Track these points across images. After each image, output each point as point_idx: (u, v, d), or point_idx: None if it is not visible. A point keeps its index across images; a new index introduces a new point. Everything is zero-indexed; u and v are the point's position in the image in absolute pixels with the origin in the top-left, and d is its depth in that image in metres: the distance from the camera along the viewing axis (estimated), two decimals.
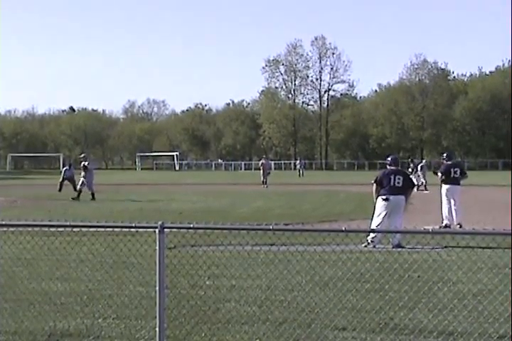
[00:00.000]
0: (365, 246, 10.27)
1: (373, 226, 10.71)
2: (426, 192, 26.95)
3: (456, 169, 14.14)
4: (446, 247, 9.25)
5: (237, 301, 6.46)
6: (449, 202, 13.90)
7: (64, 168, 29.18)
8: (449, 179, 14.04)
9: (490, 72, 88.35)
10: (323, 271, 7.32)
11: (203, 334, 5.37)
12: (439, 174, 14.33)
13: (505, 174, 41.74)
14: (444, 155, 14.77)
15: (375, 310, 5.88)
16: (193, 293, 6.74)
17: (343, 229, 4.38)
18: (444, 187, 14.07)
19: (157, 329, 4.62)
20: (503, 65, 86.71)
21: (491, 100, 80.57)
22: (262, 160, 34.41)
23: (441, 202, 14.14)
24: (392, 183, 11.00)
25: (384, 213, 10.96)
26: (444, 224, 13.78)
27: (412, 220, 14.27)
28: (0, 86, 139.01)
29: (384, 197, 10.97)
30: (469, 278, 7.05)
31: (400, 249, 9.92)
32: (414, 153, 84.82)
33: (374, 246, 10.26)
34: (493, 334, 5.24)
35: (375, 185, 11.28)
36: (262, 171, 33.68)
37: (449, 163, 14.39)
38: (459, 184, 14.16)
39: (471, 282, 6.96)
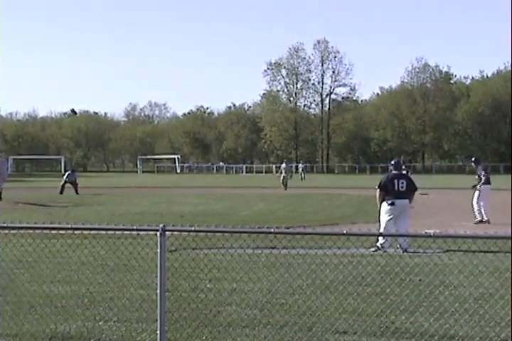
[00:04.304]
0: (375, 250, 10.20)
1: (382, 230, 10.62)
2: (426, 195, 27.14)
3: (488, 170, 15.73)
4: (447, 251, 9.25)
5: (238, 304, 6.45)
6: (486, 201, 15.31)
7: (67, 172, 29.50)
8: (487, 180, 15.51)
9: (492, 74, 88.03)
10: (324, 275, 7.31)
11: (204, 338, 5.36)
12: (482, 176, 15.62)
13: (507, 178, 41.64)
14: (473, 159, 16.21)
15: (377, 314, 5.87)
16: (194, 296, 6.74)
17: (345, 232, 4.38)
18: (485, 187, 15.46)
19: (158, 332, 4.62)
20: (505, 67, 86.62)
21: (493, 104, 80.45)
22: (283, 164, 35.27)
23: (477, 201, 15.38)
24: (396, 188, 11.04)
25: (390, 218, 10.97)
26: (478, 220, 15.04)
27: (413, 224, 14.30)
28: (1, 88, 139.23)
29: (390, 201, 11.00)
30: (471, 282, 7.04)
31: (401, 253, 9.91)
32: (415, 156, 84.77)
33: (385, 251, 10.11)
34: (494, 339, 5.23)
35: (378, 190, 11.27)
36: (282, 174, 34.45)
37: (484, 164, 16.04)
38: (490, 183, 15.76)
39: (473, 286, 6.95)
